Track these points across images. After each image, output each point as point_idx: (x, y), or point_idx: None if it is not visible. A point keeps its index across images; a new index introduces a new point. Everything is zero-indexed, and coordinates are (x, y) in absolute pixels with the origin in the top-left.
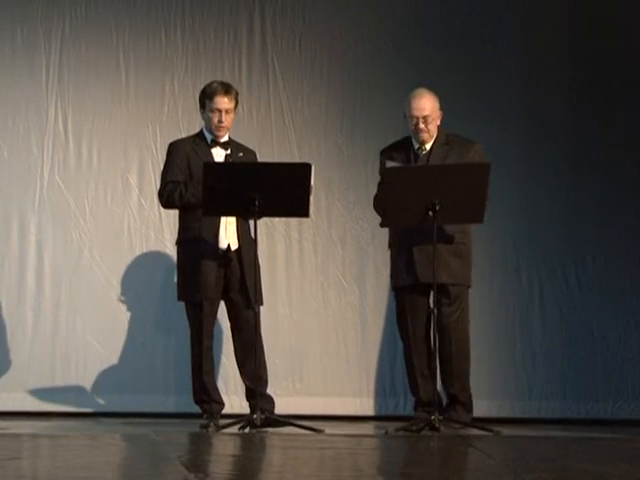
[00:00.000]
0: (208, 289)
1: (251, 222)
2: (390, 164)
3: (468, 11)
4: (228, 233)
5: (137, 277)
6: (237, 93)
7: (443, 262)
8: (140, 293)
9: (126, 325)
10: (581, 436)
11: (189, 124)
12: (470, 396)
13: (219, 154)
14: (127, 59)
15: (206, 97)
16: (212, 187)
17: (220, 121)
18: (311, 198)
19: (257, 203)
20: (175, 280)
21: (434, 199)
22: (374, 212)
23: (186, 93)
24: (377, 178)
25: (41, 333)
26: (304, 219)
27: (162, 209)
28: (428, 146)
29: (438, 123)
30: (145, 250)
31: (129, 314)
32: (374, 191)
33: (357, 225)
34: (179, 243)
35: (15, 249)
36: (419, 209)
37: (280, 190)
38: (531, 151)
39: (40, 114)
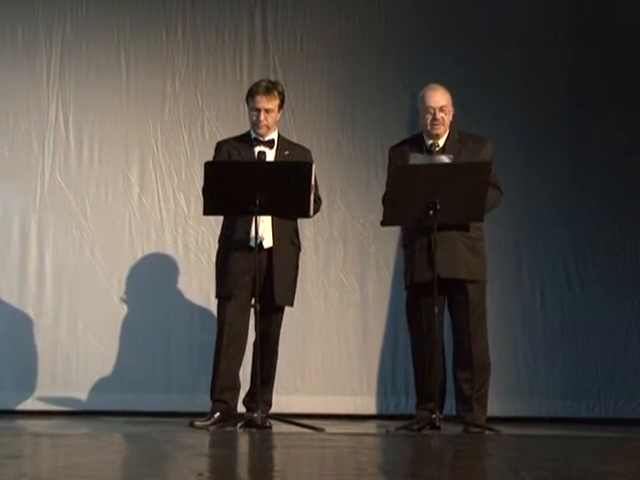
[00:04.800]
0: (233, 286)
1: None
2: (415, 157)
3: (469, 10)
4: (261, 231)
5: (138, 275)
6: (281, 93)
7: (462, 258)
8: (141, 292)
9: (127, 324)
10: (582, 435)
11: (190, 122)
12: (487, 396)
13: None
14: (128, 57)
15: (249, 95)
16: (213, 186)
17: (258, 120)
18: (312, 197)
19: (258, 202)
20: (175, 278)
21: (435, 198)
22: (375, 211)
23: (187, 91)
24: (380, 176)
25: (42, 332)
26: (305, 218)
27: (163, 207)
28: (441, 142)
29: (450, 119)
30: (146, 248)
31: (130, 312)
32: (375, 190)
33: (358, 224)
34: (218, 240)
35: (16, 248)
36: (420, 208)
37: (281, 189)
38: (532, 149)
39: (41, 113)
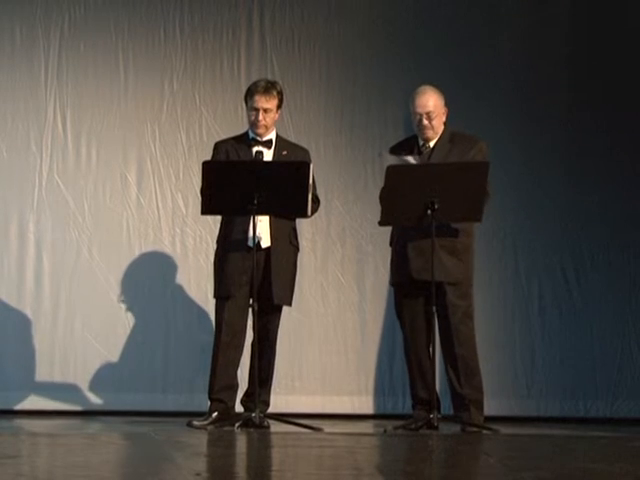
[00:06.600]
0: (231, 286)
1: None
2: (384, 157)
3: (468, 10)
4: (259, 231)
5: (136, 275)
6: (280, 92)
7: (437, 260)
8: (139, 291)
9: (125, 324)
10: (580, 434)
11: (188, 123)
12: (482, 395)
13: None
14: (126, 58)
15: (247, 94)
16: (211, 185)
17: (257, 119)
18: (310, 197)
19: (256, 202)
20: (173, 278)
21: (433, 198)
22: (373, 211)
23: (185, 92)
24: (377, 177)
25: (40, 332)
26: (303, 218)
27: (161, 207)
28: (432, 143)
29: (443, 120)
30: (144, 248)
31: (128, 313)
32: (372, 190)
33: (356, 224)
34: (216, 240)
35: (14, 248)
36: (418, 208)
37: (279, 189)
38: (530, 150)
39: (39, 113)
